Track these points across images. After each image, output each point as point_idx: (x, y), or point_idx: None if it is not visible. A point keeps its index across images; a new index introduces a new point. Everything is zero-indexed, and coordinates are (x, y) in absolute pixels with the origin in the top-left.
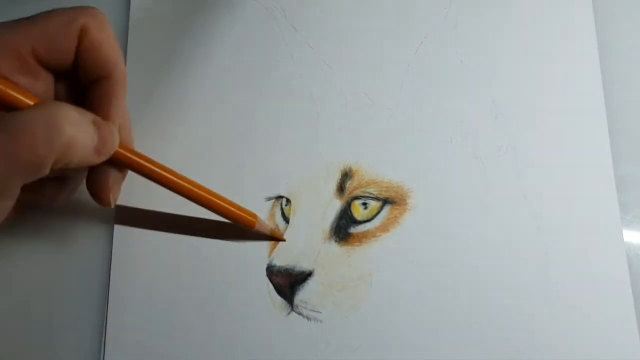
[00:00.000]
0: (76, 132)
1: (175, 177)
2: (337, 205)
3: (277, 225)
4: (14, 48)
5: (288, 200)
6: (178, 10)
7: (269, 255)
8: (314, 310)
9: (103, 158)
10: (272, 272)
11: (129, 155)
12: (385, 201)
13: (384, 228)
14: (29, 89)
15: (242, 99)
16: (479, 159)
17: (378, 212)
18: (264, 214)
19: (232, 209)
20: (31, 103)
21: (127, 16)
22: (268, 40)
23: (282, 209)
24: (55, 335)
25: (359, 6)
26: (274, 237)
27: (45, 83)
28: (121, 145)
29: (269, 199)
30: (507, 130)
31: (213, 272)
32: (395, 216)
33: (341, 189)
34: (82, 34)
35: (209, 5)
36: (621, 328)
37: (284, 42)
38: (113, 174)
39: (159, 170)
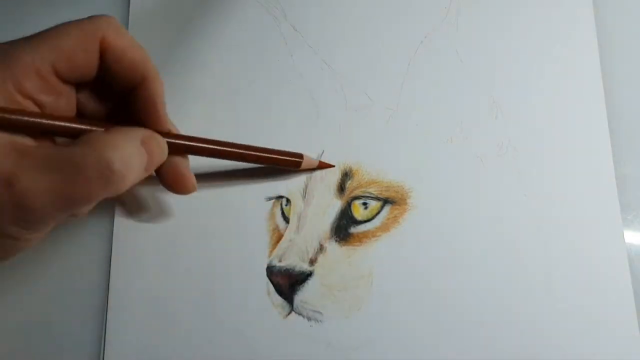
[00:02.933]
0: (127, 166)
1: (227, 145)
2: (337, 205)
3: (277, 226)
4: (35, 69)
5: (288, 200)
6: (178, 10)
7: (269, 255)
8: (314, 310)
9: (152, 171)
10: (272, 272)
11: (185, 142)
12: (386, 201)
13: (385, 228)
14: (53, 107)
15: (242, 98)
16: (479, 159)
17: (378, 212)
18: (264, 214)
19: (281, 157)
20: (78, 126)
21: (127, 16)
22: (268, 39)
23: (282, 209)
24: (55, 335)
25: (359, 6)
26: (324, 166)
27: (67, 98)
28: (174, 135)
29: (270, 198)
30: (507, 130)
31: (213, 272)
32: (396, 216)
33: (341, 188)
34: (104, 46)
35: (208, 5)
36: (622, 328)
37: (284, 42)
38: (180, 161)
39: (214, 147)
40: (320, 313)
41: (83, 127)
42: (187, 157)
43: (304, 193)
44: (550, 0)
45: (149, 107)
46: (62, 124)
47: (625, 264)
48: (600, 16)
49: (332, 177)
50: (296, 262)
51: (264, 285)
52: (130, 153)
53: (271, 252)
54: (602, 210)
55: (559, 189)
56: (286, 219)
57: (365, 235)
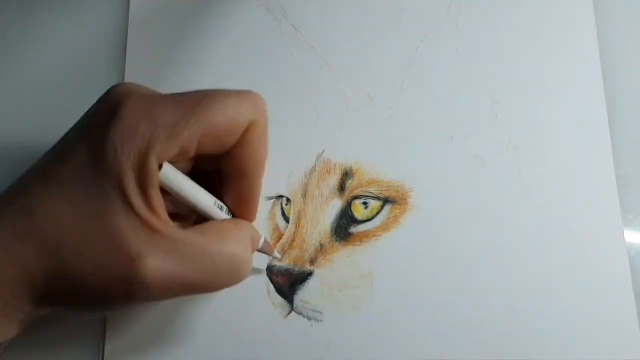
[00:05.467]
0: (249, 263)
1: None
2: (337, 204)
3: (277, 225)
4: (180, 144)
5: (288, 200)
6: (178, 10)
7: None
8: (314, 310)
9: None
10: (273, 272)
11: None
12: (386, 201)
13: (385, 228)
14: None
15: None
16: (479, 158)
17: (379, 212)
18: (264, 213)
19: None
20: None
21: (127, 16)
22: (268, 39)
23: (282, 208)
24: (55, 335)
25: (359, 5)
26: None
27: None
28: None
29: (270, 198)
30: (508, 129)
31: None
32: (396, 216)
33: (342, 188)
34: (247, 131)
35: (208, 5)
36: (623, 328)
37: (284, 41)
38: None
39: None
40: (321, 313)
41: (213, 212)
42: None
43: (305, 193)
44: (551, 0)
45: (247, 204)
46: (206, 205)
47: (625, 264)
48: (601, 16)
49: (332, 177)
50: (296, 261)
51: (264, 285)
52: (248, 251)
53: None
54: (603, 209)
55: (559, 189)
56: (286, 219)
57: (365, 235)
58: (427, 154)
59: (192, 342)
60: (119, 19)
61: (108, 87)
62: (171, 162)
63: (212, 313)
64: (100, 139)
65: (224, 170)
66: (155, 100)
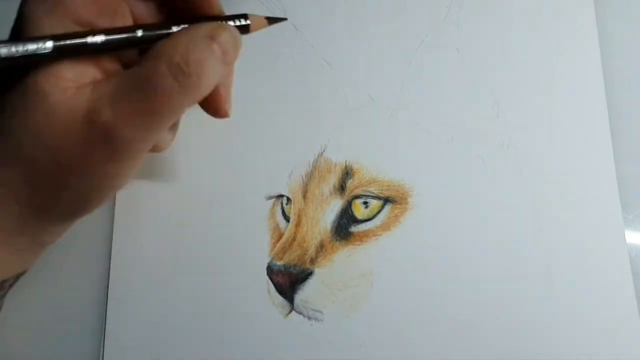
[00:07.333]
0: (201, 65)
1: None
2: (338, 204)
3: (277, 224)
4: None
5: (289, 199)
6: None
7: (269, 254)
8: (314, 310)
9: (233, 63)
10: (273, 271)
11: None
12: (386, 200)
13: (385, 227)
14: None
15: (242, 98)
16: (480, 158)
17: (379, 211)
18: (264, 213)
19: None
20: (142, 34)
21: None
22: (269, 39)
23: (282, 208)
24: (56, 334)
25: (360, 5)
26: (275, 21)
27: (123, 16)
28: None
29: (270, 197)
30: (508, 129)
31: (213, 272)
32: (396, 215)
33: (342, 187)
34: None
35: None
36: (624, 328)
37: (285, 41)
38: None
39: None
40: (321, 312)
41: (147, 33)
42: (230, 67)
43: (305, 192)
44: (552, 0)
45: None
46: (125, 35)
47: (626, 264)
48: (602, 15)
49: (332, 176)
50: (296, 261)
51: (264, 284)
52: (200, 50)
53: (271, 251)
54: (603, 209)
55: (560, 189)
56: (287, 218)
57: (365, 235)
58: (428, 153)
59: (192, 341)
60: None
61: None
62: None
63: (212, 313)
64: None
65: None
66: None
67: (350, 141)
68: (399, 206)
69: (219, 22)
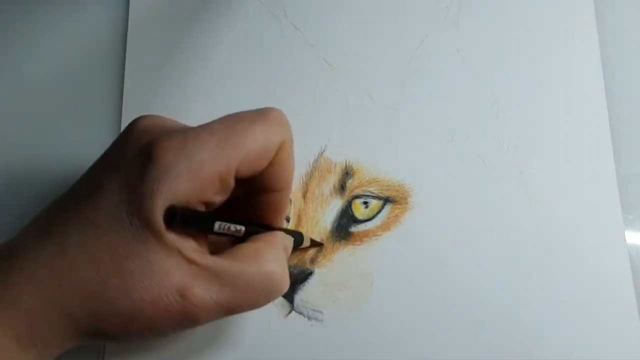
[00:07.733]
0: (286, 278)
1: None
2: (338, 204)
3: None
4: (219, 175)
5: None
6: (178, 9)
7: None
8: (314, 310)
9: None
10: None
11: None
12: (386, 200)
13: (385, 227)
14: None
15: (242, 97)
16: (480, 158)
17: (379, 211)
18: None
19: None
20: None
21: (127, 16)
22: (269, 38)
23: None
24: None
25: (360, 4)
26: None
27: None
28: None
29: None
30: (508, 129)
31: None
32: (397, 215)
33: (342, 187)
34: (277, 151)
35: (209, 5)
36: (623, 328)
37: (285, 41)
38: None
39: None
40: (321, 312)
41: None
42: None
43: (305, 192)
44: (551, 0)
45: (274, 216)
46: (236, 228)
47: (626, 264)
48: (602, 15)
49: (332, 176)
50: (296, 261)
51: None
52: (284, 264)
53: None
54: (603, 209)
55: (560, 189)
56: (287, 218)
57: (366, 235)
58: (428, 153)
59: (192, 341)
60: (119, 20)
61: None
62: (212, 196)
63: None
64: (135, 179)
65: (254, 187)
66: (185, 135)
67: (350, 141)
68: (399, 206)
69: (289, 236)
